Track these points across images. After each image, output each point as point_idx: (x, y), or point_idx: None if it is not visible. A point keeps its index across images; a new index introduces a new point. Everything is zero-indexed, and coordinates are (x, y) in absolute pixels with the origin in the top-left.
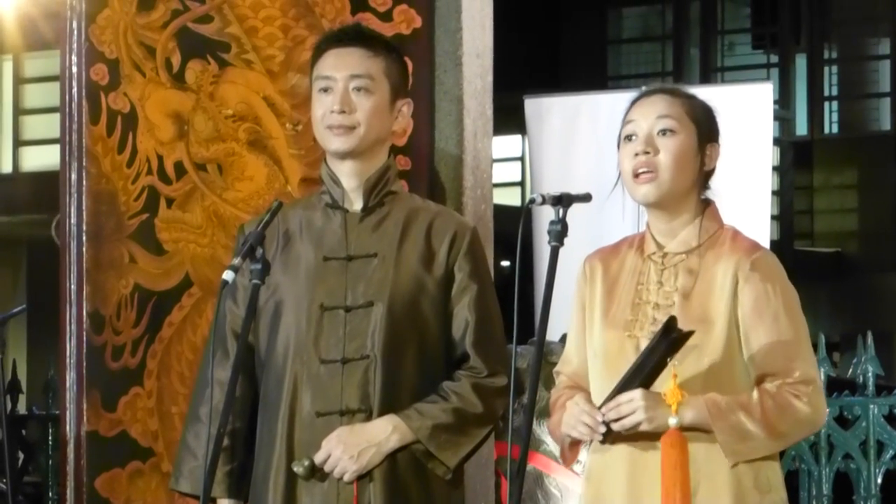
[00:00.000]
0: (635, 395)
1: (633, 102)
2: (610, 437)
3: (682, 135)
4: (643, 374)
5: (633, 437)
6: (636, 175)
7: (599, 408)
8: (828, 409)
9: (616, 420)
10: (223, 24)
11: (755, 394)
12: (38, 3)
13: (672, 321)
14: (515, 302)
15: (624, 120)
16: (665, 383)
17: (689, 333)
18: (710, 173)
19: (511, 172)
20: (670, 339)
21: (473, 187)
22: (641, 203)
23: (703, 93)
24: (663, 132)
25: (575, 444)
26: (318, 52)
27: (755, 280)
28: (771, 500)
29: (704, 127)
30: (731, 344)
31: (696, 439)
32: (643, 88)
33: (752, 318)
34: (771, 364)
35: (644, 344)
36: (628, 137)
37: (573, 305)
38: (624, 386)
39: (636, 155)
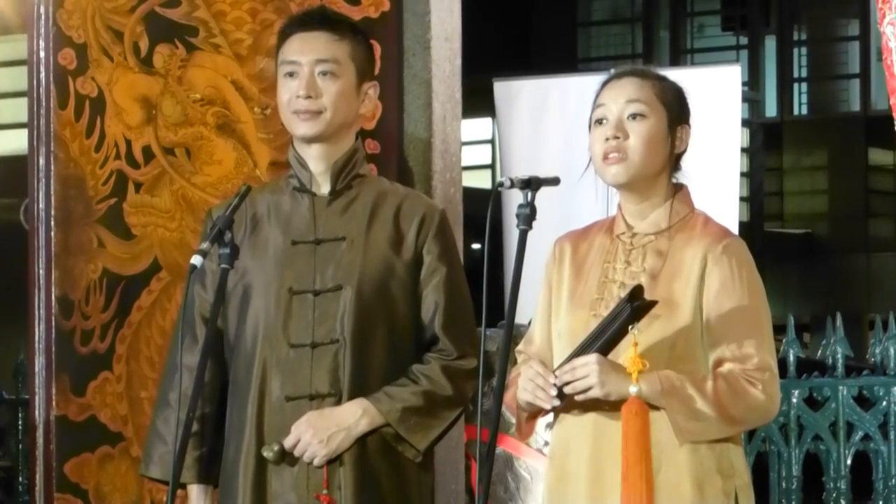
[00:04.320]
0: (590, 360)
1: (604, 85)
2: (564, 403)
3: (652, 119)
4: (603, 339)
5: (596, 410)
6: (605, 157)
7: (555, 372)
8: (796, 391)
9: (569, 383)
10: (191, 8)
11: (710, 376)
12: None
13: (637, 289)
14: (485, 285)
15: (594, 103)
16: (626, 352)
17: (653, 303)
18: (681, 155)
19: (481, 155)
20: (634, 306)
21: (443, 170)
22: (611, 184)
23: (673, 75)
24: (633, 116)
25: (532, 417)
26: (284, 36)
27: (723, 266)
28: (734, 484)
29: (675, 109)
30: (693, 327)
31: (657, 422)
32: (612, 70)
33: (715, 303)
34: (728, 349)
35: None
36: (599, 121)
37: (541, 286)
38: (582, 350)
39: (606, 139)
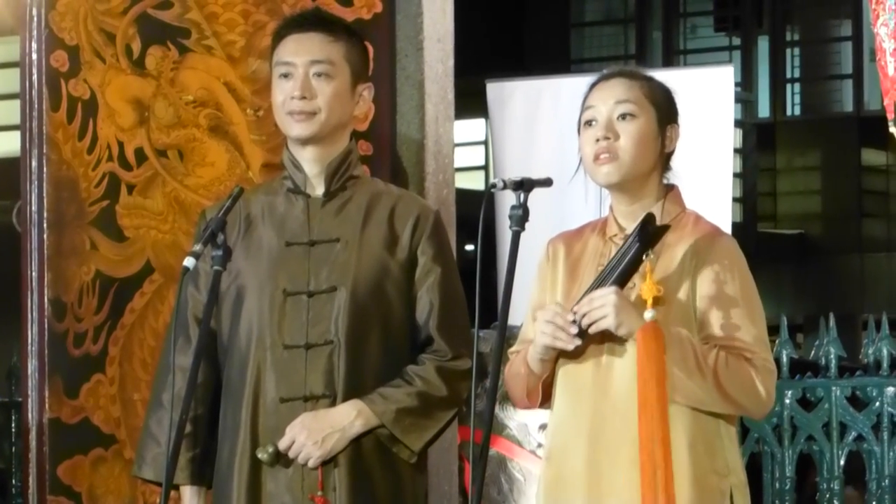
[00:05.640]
0: (608, 291)
1: (592, 86)
2: (583, 340)
3: (642, 118)
4: (619, 272)
5: (593, 401)
6: (596, 158)
7: (573, 309)
8: (789, 392)
9: (586, 314)
10: (183, 9)
11: (717, 347)
12: None
13: (649, 217)
14: (478, 286)
15: (583, 105)
16: (640, 278)
17: (665, 227)
18: (671, 154)
19: (474, 156)
20: (647, 233)
21: (435, 172)
22: (603, 185)
23: (666, 76)
24: (623, 116)
25: (540, 376)
26: (278, 37)
27: (714, 264)
28: (729, 483)
29: (664, 109)
30: (687, 326)
31: None
32: (602, 72)
33: (710, 303)
34: (725, 344)
35: None
36: (588, 123)
37: (534, 286)
38: (599, 284)
39: (597, 140)
